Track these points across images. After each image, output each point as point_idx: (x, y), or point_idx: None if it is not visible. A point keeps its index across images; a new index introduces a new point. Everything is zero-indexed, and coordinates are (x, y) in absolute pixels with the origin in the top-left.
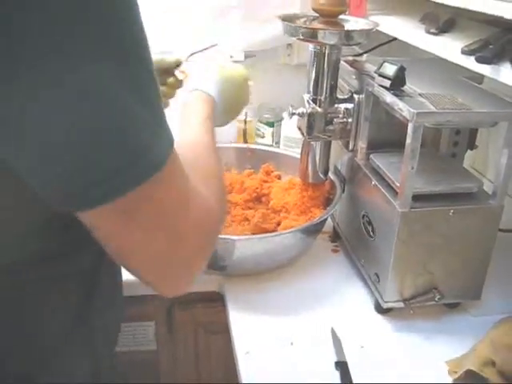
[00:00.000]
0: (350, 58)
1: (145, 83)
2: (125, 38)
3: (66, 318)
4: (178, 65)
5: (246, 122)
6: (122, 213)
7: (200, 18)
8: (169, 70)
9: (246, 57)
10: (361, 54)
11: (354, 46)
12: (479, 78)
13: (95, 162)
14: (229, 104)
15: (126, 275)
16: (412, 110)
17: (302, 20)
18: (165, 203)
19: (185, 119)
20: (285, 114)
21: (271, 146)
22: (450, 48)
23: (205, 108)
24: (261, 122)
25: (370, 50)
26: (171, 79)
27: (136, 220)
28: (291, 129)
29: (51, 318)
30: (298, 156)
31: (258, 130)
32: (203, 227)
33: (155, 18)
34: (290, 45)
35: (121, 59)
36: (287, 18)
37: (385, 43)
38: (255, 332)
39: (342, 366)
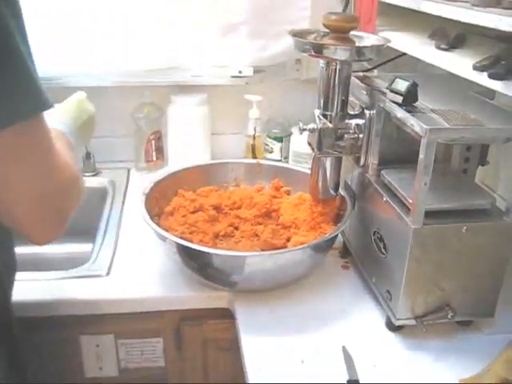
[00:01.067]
0: (361, 74)
1: (30, 53)
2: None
3: None
4: None
5: (254, 137)
6: (4, 145)
7: (208, 34)
8: None
9: (255, 72)
10: (369, 70)
11: (362, 62)
12: (490, 93)
13: None
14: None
15: (130, 293)
16: (425, 127)
17: (313, 36)
18: (40, 144)
19: None
20: (293, 129)
21: (280, 161)
22: (462, 64)
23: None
24: (269, 137)
25: (378, 66)
26: None
27: (17, 154)
28: (300, 144)
29: None
30: (308, 171)
31: (267, 145)
32: (70, 177)
33: (159, 35)
34: (298, 60)
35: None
36: (298, 34)
37: (393, 59)
38: (266, 349)
39: None
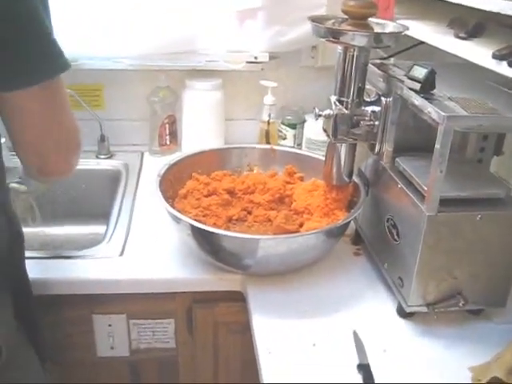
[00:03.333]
0: (378, 61)
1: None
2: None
3: None
4: None
5: (269, 123)
6: (48, 93)
7: (225, 19)
8: None
9: (270, 58)
10: (385, 58)
11: (378, 50)
12: (509, 83)
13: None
14: None
15: (143, 274)
16: (443, 114)
17: (331, 22)
18: (65, 95)
19: None
20: (307, 116)
21: (293, 147)
22: (481, 53)
23: None
24: (283, 124)
25: (396, 54)
26: None
27: (54, 102)
28: (313, 131)
29: None
30: (322, 158)
31: (280, 131)
32: (78, 126)
33: (175, 19)
34: (314, 47)
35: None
36: (316, 19)
37: (411, 47)
38: (277, 332)
39: (364, 369)
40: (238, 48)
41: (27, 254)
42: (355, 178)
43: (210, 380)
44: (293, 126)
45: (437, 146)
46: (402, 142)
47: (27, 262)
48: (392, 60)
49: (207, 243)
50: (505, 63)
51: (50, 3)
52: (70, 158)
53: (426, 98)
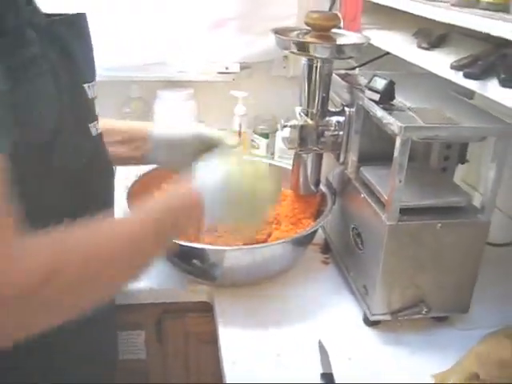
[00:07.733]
0: (343, 72)
1: None
2: None
3: None
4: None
5: (240, 133)
6: None
7: (196, 30)
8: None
9: (242, 68)
10: (354, 68)
11: (348, 60)
12: (470, 93)
13: None
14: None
15: None
16: (400, 124)
17: (295, 33)
18: None
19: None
20: (279, 126)
21: (265, 157)
22: (440, 63)
23: (174, 202)
24: (256, 133)
25: (364, 64)
26: None
27: None
28: None
29: None
30: (290, 168)
31: (253, 141)
32: (26, 280)
33: (146, 30)
34: (285, 57)
35: None
36: (280, 31)
37: (377, 58)
38: (243, 343)
39: (327, 378)
40: (210, 58)
41: None
42: (323, 188)
43: None
44: (265, 136)
45: (395, 155)
46: (367, 152)
47: None
48: (357, 70)
49: (174, 255)
50: (461, 73)
51: None
52: None
53: (386, 109)
